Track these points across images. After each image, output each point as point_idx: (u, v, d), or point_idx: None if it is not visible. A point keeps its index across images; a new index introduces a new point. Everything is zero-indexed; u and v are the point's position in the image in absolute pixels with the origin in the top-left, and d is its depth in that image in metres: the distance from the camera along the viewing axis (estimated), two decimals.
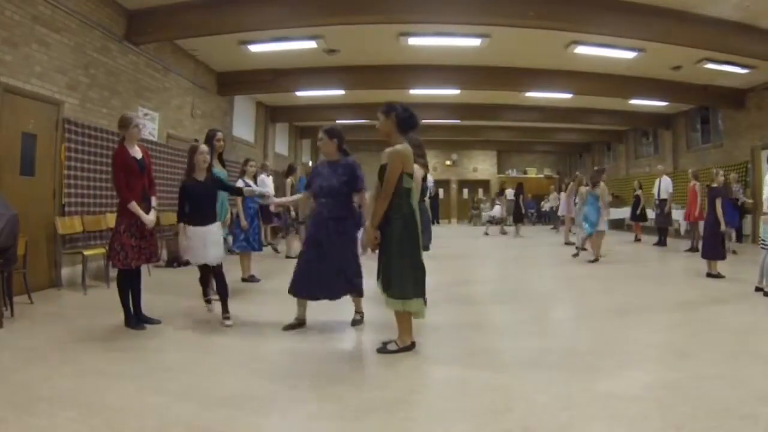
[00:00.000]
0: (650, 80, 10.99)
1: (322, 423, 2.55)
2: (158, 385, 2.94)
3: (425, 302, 3.62)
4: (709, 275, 6.75)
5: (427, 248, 5.32)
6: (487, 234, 14.88)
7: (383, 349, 3.59)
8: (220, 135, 5.39)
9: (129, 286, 4.27)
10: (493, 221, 15.82)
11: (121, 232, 4.17)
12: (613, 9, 7.33)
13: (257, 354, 3.61)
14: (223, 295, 4.37)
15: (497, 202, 16.10)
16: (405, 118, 3.61)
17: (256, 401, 2.75)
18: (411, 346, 3.61)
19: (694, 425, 2.43)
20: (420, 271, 3.58)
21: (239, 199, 6.33)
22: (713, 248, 6.71)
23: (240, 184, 6.37)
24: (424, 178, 5.06)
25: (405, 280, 3.49)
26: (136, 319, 4.26)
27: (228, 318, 4.33)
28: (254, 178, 6.90)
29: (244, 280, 6.39)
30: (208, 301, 4.73)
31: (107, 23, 7.05)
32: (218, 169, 5.30)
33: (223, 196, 5.36)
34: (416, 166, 4.79)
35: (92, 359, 3.39)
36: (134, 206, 4.14)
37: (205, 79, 10.51)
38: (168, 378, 3.08)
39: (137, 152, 4.30)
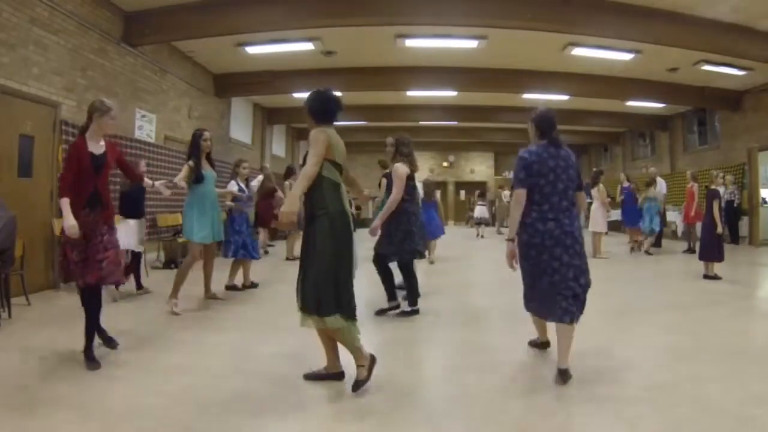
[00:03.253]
0: (647, 82, 11.04)
1: (320, 424, 2.54)
2: (156, 387, 2.94)
3: (354, 321, 2.95)
4: (706, 277, 6.77)
5: (422, 255, 5.15)
6: (482, 237, 14.60)
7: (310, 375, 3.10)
8: (207, 134, 5.21)
9: (89, 307, 3.35)
10: (481, 222, 15.54)
11: (62, 242, 3.46)
12: (609, 11, 7.37)
13: (255, 356, 3.60)
14: None
15: (480, 203, 15.84)
16: (315, 109, 3.00)
17: (254, 403, 2.75)
18: (337, 375, 3.05)
19: (691, 426, 2.44)
20: (344, 283, 2.88)
21: (228, 203, 6.09)
22: (711, 250, 6.73)
23: (232, 186, 6.15)
24: (411, 177, 4.72)
25: (322, 291, 2.80)
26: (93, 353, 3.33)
27: None
28: (246, 180, 6.50)
29: (244, 286, 6.14)
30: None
31: (104, 25, 7.06)
32: (207, 170, 5.20)
33: (214, 199, 5.19)
34: (400, 165, 4.71)
35: None
36: (65, 204, 3.26)
37: (202, 81, 10.52)
38: (166, 380, 3.07)
39: (99, 147, 3.50)
